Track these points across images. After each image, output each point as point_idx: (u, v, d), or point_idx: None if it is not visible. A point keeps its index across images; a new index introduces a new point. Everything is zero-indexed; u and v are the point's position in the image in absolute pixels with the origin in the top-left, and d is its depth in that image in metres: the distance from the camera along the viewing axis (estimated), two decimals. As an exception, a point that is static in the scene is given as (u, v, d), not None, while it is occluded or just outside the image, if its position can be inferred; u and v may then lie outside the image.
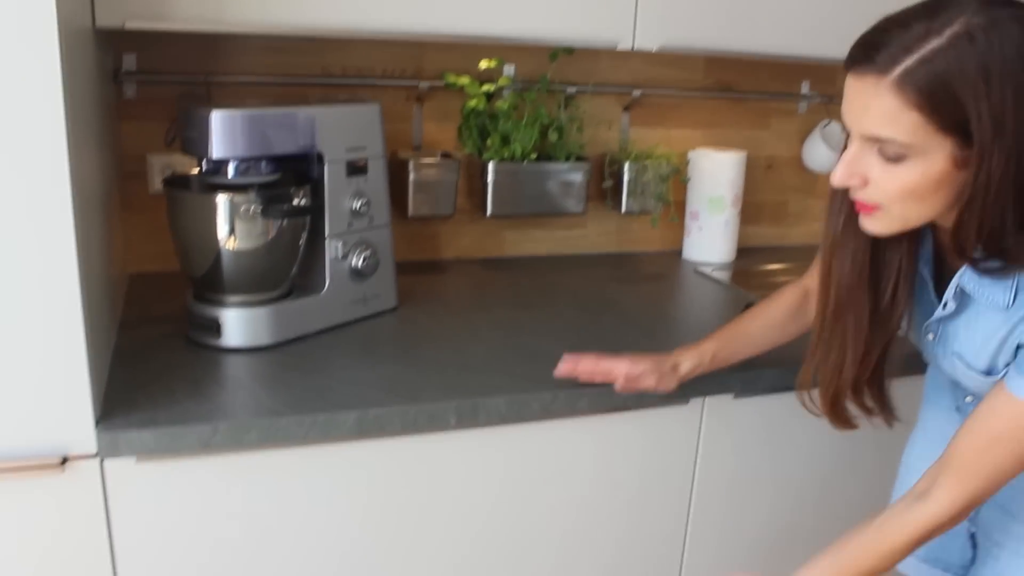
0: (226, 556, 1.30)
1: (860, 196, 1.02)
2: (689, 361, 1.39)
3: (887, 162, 0.97)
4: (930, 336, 1.16)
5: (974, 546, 1.27)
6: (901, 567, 1.33)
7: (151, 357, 1.41)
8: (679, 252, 2.23)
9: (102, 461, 1.18)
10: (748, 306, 1.60)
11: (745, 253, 2.24)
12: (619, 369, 1.36)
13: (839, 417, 1.22)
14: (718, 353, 1.40)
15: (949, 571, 1.31)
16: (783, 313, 1.41)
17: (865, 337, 1.15)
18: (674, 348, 1.40)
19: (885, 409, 1.21)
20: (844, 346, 1.16)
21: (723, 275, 2.07)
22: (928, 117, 0.92)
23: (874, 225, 1.04)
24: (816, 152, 2.26)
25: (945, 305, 1.09)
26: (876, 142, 0.97)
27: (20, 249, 1.07)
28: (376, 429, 1.28)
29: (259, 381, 1.35)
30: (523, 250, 2.13)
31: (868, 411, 1.21)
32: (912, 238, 1.11)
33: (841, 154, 1.02)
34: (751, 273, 2.13)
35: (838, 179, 1.01)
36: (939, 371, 1.22)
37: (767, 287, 1.98)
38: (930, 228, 1.12)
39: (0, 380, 1.11)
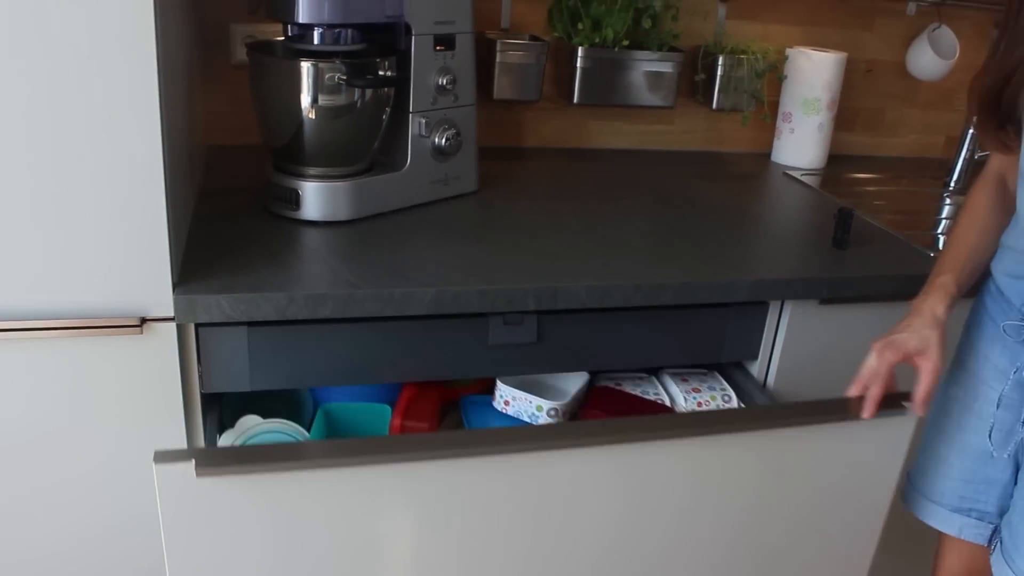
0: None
1: None
2: (940, 303, 1.19)
3: None
4: None
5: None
6: (933, 521, 1.30)
7: (229, 226, 1.36)
8: (767, 155, 2.09)
9: (179, 324, 1.14)
10: (842, 212, 1.49)
11: (835, 161, 2.09)
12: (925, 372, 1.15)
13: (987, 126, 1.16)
14: (959, 281, 1.22)
15: (984, 519, 1.26)
16: (988, 210, 1.26)
17: None
18: (759, 252, 1.30)
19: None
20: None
21: (812, 180, 1.94)
22: None
23: None
24: (922, 58, 2.08)
25: None
26: None
27: (106, 110, 1.02)
28: (453, 307, 1.22)
29: (336, 255, 1.29)
30: (607, 143, 2.02)
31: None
32: None
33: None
34: (841, 181, 1.99)
35: None
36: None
37: (857, 197, 1.85)
38: None
39: (83, 240, 1.07)
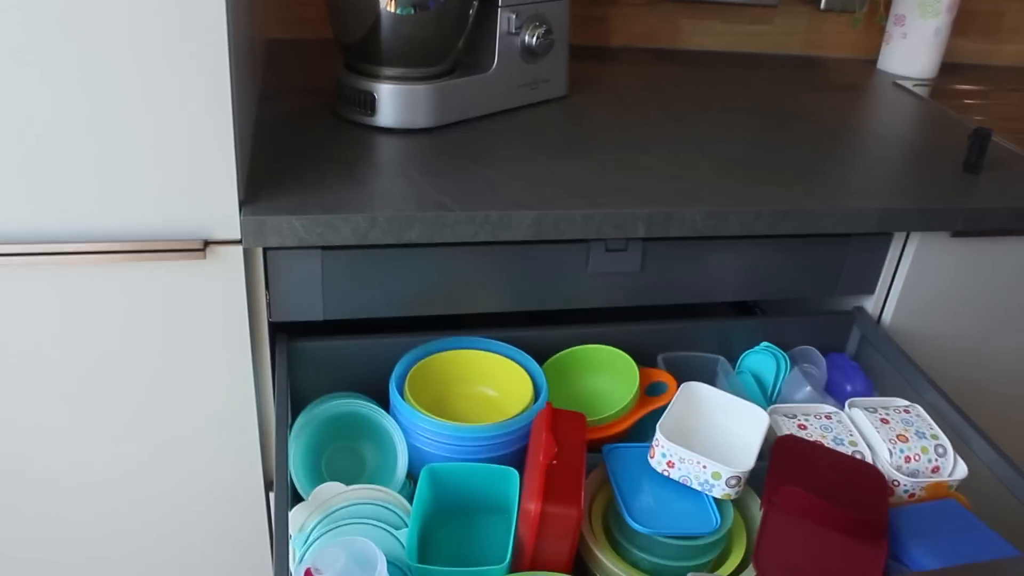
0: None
1: None
2: None
3: None
4: None
5: None
6: None
7: (296, 134, 1.19)
8: (872, 62, 1.87)
9: (246, 249, 0.99)
10: (979, 132, 1.29)
11: (947, 69, 1.87)
12: None
13: None
14: None
15: None
16: None
17: None
18: (881, 175, 1.11)
19: None
20: None
21: (925, 92, 1.72)
22: None
23: None
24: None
25: None
26: None
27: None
28: (554, 233, 1.06)
29: (417, 168, 1.12)
30: (698, 43, 1.81)
31: None
32: None
33: None
34: (953, 92, 1.77)
35: None
36: None
37: (971, 111, 1.64)
38: None
39: (139, 150, 0.91)
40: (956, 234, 1.26)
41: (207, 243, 0.97)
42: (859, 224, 1.17)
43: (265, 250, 1.03)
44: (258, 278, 1.03)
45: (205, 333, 1.03)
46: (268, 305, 1.06)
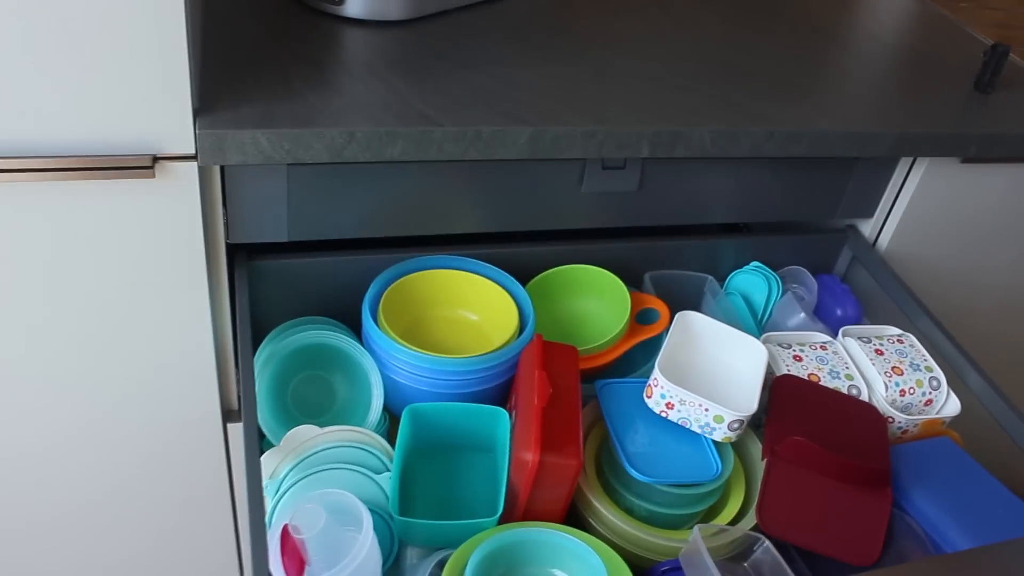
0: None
1: None
2: None
3: None
4: None
5: None
6: None
7: (254, 26, 1.03)
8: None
9: (201, 166, 0.86)
10: (997, 48, 1.19)
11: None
12: None
13: None
14: None
15: None
16: None
17: None
18: (887, 91, 1.02)
19: None
20: None
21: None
22: None
23: None
24: None
25: None
26: None
27: None
28: (551, 151, 0.94)
29: (397, 70, 0.98)
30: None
31: None
32: None
33: None
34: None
35: None
36: None
37: (999, 29, 1.54)
38: None
39: (73, 50, 0.75)
40: (966, 160, 1.18)
41: (156, 159, 0.83)
42: (873, 148, 1.08)
43: (224, 166, 0.89)
44: (215, 196, 0.90)
45: (154, 258, 0.90)
46: (226, 225, 0.93)
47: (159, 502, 1.11)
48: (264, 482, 0.85)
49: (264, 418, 0.93)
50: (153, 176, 0.83)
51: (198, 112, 0.84)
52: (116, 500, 1.09)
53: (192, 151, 0.84)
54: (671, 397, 0.92)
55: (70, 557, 1.13)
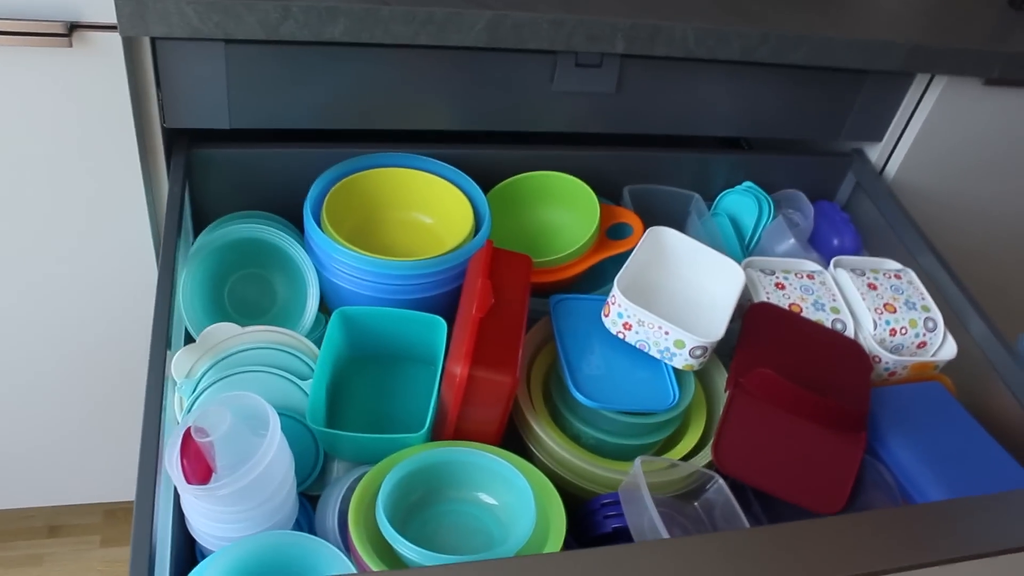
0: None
1: None
2: None
3: None
4: None
5: None
6: None
7: None
8: None
9: (125, 38, 0.78)
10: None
11: None
12: None
13: None
14: None
15: None
16: None
17: None
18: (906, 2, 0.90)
19: None
20: None
21: None
22: None
23: None
24: None
25: None
26: None
27: None
28: (513, 40, 0.85)
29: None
30: None
31: None
32: None
33: None
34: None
35: None
36: None
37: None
38: None
39: None
40: (990, 82, 1.06)
41: (74, 26, 0.76)
42: (881, 60, 0.97)
43: (154, 40, 0.81)
44: (145, 74, 0.83)
45: (81, 138, 0.83)
46: (161, 108, 0.85)
47: (91, 392, 1.06)
48: (179, 380, 0.79)
49: (195, 315, 0.86)
50: (70, 46, 0.76)
51: (118, -25, 0.76)
52: (49, 392, 1.05)
53: (112, 20, 0.76)
54: (629, 317, 0.84)
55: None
